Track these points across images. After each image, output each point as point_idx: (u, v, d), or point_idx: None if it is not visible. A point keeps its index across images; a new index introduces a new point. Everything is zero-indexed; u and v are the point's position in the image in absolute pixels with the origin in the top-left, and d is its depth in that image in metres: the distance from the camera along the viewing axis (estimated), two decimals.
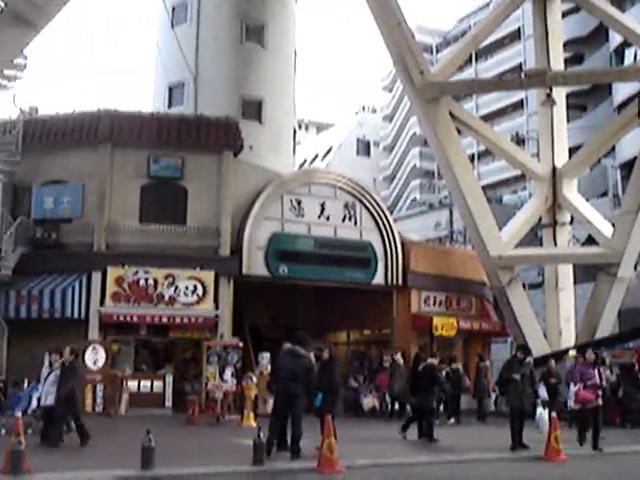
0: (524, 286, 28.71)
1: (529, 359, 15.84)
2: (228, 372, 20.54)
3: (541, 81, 24.79)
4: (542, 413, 16.85)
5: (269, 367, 20.61)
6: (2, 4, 20.34)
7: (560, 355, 23.58)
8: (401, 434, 16.09)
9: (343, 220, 25.61)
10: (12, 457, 9.95)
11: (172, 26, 31.41)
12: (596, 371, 15.22)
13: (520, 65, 52.25)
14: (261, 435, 11.70)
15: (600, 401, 15.00)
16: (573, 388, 15.47)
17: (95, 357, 21.40)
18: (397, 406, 22.74)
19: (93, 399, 21.26)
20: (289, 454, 12.44)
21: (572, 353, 22.97)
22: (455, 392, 21.92)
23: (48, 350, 14.87)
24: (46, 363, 15.27)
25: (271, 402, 14.83)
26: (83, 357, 20.20)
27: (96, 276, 22.27)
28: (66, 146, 23.70)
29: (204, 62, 30.89)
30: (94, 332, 22.04)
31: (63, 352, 14.12)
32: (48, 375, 14.13)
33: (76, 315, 21.84)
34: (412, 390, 16.84)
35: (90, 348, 21.42)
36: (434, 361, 16.96)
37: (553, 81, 24.93)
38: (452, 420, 21.29)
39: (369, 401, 23.62)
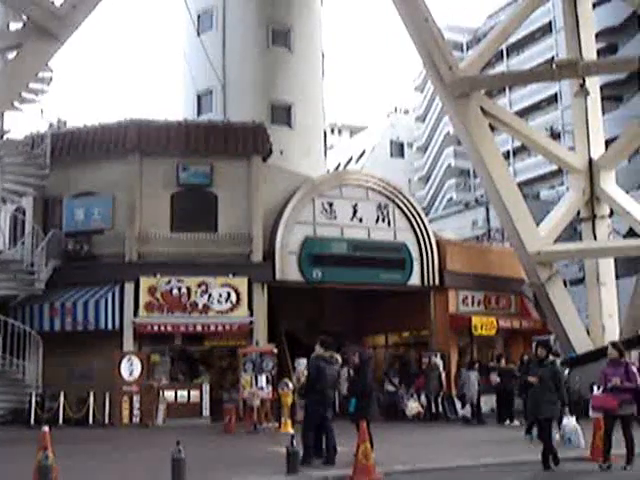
0: (565, 282, 28.11)
1: (552, 358, 13.27)
2: (263, 379, 20.28)
3: (573, 71, 24.19)
4: (569, 423, 13.95)
5: (306, 373, 20.31)
6: (25, 18, 20.38)
7: (603, 352, 22.94)
8: (526, 436, 15.94)
9: (376, 221, 25.27)
10: (40, 472, 9.75)
11: (198, 34, 31.29)
12: (622, 370, 12.21)
13: (552, 59, 51.48)
14: (294, 443, 11.41)
15: (630, 408, 12.20)
16: (595, 392, 13.44)
17: (131, 368, 21.33)
18: (434, 408, 22.44)
19: (130, 410, 21.16)
20: (321, 461, 12.16)
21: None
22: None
23: None
24: None
25: None
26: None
27: (129, 286, 22.18)
28: (95, 157, 23.69)
29: (231, 68, 30.73)
30: (129, 343, 21.96)
31: None
32: None
33: (110, 327, 21.78)
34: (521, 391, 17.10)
35: (125, 359, 21.36)
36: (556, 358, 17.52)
37: (586, 71, 24.32)
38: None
39: (414, 406, 23.15)
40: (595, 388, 13.53)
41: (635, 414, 12.34)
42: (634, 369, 12.13)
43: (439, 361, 24.00)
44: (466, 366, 23.23)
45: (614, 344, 12.81)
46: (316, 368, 12.67)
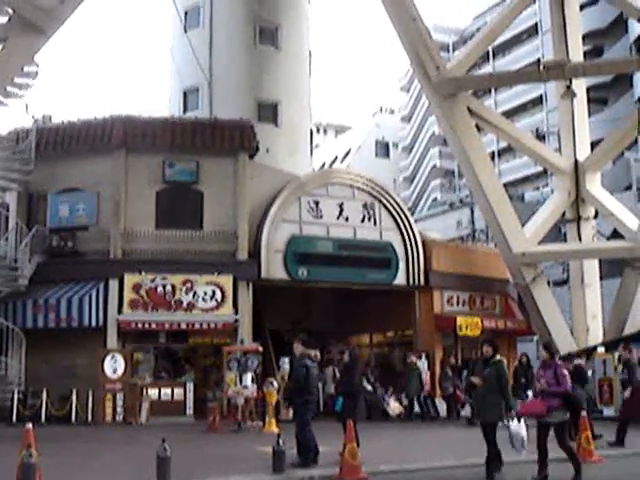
0: (549, 283, 28.19)
1: (498, 357, 11.60)
2: (248, 378, 20.18)
3: (560, 73, 24.26)
4: (517, 428, 11.22)
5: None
6: (10, 11, 20.18)
7: (588, 353, 23.05)
8: None
9: (362, 221, 25.24)
10: (23, 470, 9.63)
11: (185, 31, 31.11)
12: (551, 373, 11.07)
13: (538, 60, 51.60)
14: (281, 442, 11.34)
15: (559, 415, 11.01)
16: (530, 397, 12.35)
17: (114, 365, 21.20)
18: (417, 408, 22.40)
19: (113, 408, 21.03)
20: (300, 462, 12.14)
21: (600, 350, 22.49)
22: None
23: None
24: None
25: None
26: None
27: (113, 284, 22.02)
28: (80, 153, 23.48)
29: (218, 66, 30.59)
30: (113, 340, 21.79)
31: None
32: None
33: (94, 324, 21.61)
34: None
35: (109, 356, 21.23)
36: (581, 361, 17.52)
37: (573, 72, 24.40)
38: None
39: (395, 406, 23.09)
40: (530, 392, 12.51)
41: (566, 421, 11.27)
42: (564, 371, 11.14)
43: (420, 361, 23.89)
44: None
45: (545, 345, 12.09)
46: (304, 367, 12.60)
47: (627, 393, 16.45)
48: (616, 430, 15.43)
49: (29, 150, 22.07)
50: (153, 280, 22.13)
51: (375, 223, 25.42)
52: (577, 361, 17.75)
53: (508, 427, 11.02)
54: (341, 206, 24.93)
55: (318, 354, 13.25)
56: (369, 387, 23.78)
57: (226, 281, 22.57)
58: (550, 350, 11.57)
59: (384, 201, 25.61)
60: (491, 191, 24.92)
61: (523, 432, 10.92)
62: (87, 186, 23.36)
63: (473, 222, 41.15)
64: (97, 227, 23.00)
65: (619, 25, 46.97)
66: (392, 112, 76.12)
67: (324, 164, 66.20)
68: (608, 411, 21.03)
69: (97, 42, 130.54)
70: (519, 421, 11.03)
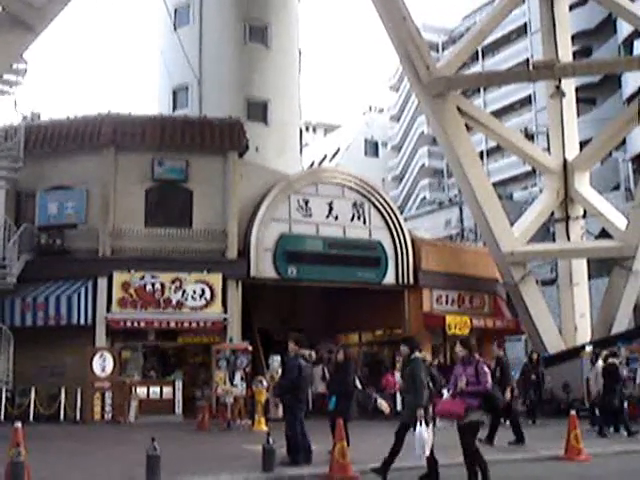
0: (537, 282, 28.28)
1: (415, 356, 10.81)
2: (237, 376, 20.16)
3: (550, 73, 24.38)
4: (420, 431, 10.12)
5: (280, 370, 20.21)
6: None
7: (576, 352, 23.15)
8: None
9: (352, 219, 25.23)
10: (12, 469, 9.59)
11: (175, 28, 31.09)
12: (472, 370, 10.13)
13: (527, 60, 51.83)
14: (270, 441, 11.33)
15: (475, 415, 9.97)
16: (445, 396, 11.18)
17: (103, 364, 21.12)
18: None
19: (102, 407, 20.95)
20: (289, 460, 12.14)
21: (588, 349, 22.57)
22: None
23: None
24: None
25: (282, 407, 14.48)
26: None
27: (102, 282, 21.95)
28: (69, 151, 23.41)
29: (208, 64, 30.58)
30: (101, 339, 21.73)
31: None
32: None
33: (82, 322, 21.54)
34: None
35: (97, 355, 21.16)
36: (615, 361, 17.54)
37: (562, 72, 24.52)
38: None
39: (385, 405, 23.00)
40: (446, 391, 11.20)
41: (481, 422, 10.27)
42: (485, 368, 10.16)
43: None
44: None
45: (463, 341, 10.81)
46: (297, 367, 12.58)
47: (508, 394, 15.67)
48: (512, 429, 15.42)
49: (18, 147, 22.01)
50: (142, 278, 22.08)
51: (365, 222, 25.43)
52: (611, 360, 17.71)
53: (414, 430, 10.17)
54: (331, 205, 24.92)
55: (313, 354, 13.21)
56: (360, 386, 23.75)
57: (215, 279, 22.54)
58: (468, 345, 10.45)
59: (374, 200, 25.62)
60: (480, 190, 24.99)
61: (425, 436, 10.04)
62: (76, 184, 23.29)
63: (462, 221, 41.24)
64: (86, 225, 22.93)
65: (608, 26, 47.12)
66: (381, 111, 76.17)
67: (313, 163, 66.14)
68: (597, 410, 21.08)
69: (86, 40, 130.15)
70: (427, 425, 10.15)
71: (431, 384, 11.12)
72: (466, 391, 9.98)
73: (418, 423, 10.05)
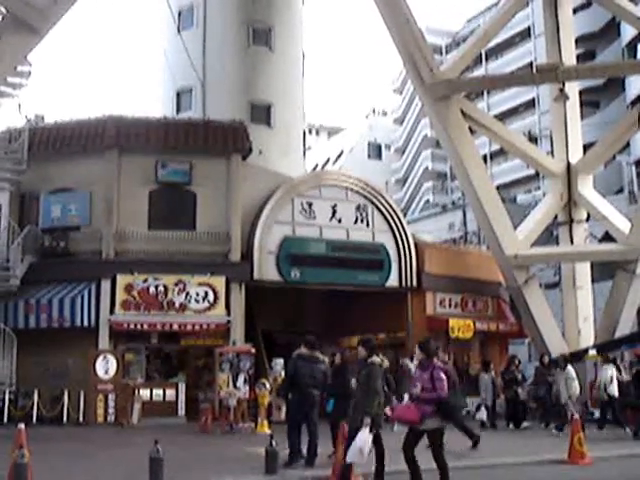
0: (541, 286, 28.25)
1: (372, 359, 10.37)
2: (241, 379, 20.16)
3: (553, 76, 24.29)
4: (360, 437, 9.65)
5: (283, 373, 20.22)
6: (3, 10, 20.12)
7: (580, 355, 23.10)
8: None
9: (355, 222, 25.25)
10: (15, 471, 9.60)
11: (178, 31, 31.09)
12: (427, 375, 9.62)
13: (531, 63, 51.76)
14: (273, 443, 11.34)
15: (433, 422, 9.53)
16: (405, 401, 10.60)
17: (106, 366, 21.18)
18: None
19: (105, 409, 21.02)
20: (303, 462, 12.13)
21: (592, 353, 22.54)
22: None
23: None
24: None
25: (284, 409, 14.51)
26: None
27: (105, 284, 21.98)
28: (73, 153, 23.44)
29: (211, 67, 30.57)
30: (104, 341, 21.76)
31: None
32: None
33: (86, 324, 21.58)
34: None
35: (101, 357, 21.20)
36: None
37: (566, 75, 24.45)
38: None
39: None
40: (406, 396, 10.67)
41: (440, 429, 9.72)
42: (441, 374, 9.61)
43: (412, 363, 23.72)
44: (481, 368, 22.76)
45: (421, 344, 10.12)
46: (293, 366, 12.65)
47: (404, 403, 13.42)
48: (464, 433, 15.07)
49: (22, 150, 22.02)
50: (145, 281, 22.10)
51: (368, 225, 25.43)
52: None
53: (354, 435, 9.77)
54: (334, 208, 24.93)
55: (319, 355, 13.15)
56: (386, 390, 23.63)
57: (219, 282, 22.55)
58: (427, 349, 9.88)
59: (377, 203, 25.63)
60: (484, 193, 24.96)
61: (363, 444, 9.56)
62: (80, 186, 23.34)
63: (465, 224, 41.17)
64: (89, 227, 22.97)
65: (611, 29, 47.11)
66: (385, 114, 76.17)
67: (317, 166, 66.21)
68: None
69: (90, 42, 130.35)
70: (371, 431, 9.67)
71: (386, 388, 10.90)
72: (421, 397, 9.57)
73: (362, 429, 9.66)
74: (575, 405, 19.14)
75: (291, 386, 12.82)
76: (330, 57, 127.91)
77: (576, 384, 19.07)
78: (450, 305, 26.54)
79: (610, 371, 19.02)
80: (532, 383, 21.77)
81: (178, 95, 31.32)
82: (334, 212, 24.92)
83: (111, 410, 21.03)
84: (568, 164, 26.24)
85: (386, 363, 12.33)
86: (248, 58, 30.73)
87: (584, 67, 28.54)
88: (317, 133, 79.08)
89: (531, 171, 45.86)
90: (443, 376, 9.66)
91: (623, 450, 14.90)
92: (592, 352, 22.56)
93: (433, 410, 9.45)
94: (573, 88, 26.76)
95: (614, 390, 18.78)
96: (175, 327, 22.23)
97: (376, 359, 10.43)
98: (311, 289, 25.08)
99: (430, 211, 53.53)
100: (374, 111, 75.63)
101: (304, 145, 33.56)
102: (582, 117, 28.94)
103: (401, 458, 9.69)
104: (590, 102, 45.47)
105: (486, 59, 59.95)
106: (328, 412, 12.97)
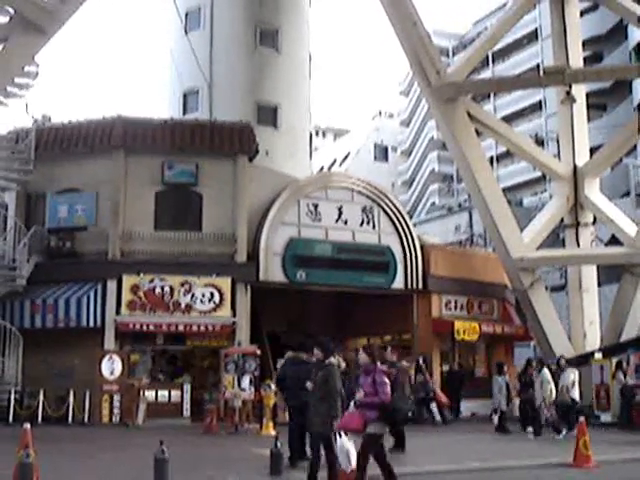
0: (547, 289, 28.21)
1: (330, 361, 10.28)
2: (246, 380, 20.18)
3: (560, 78, 24.29)
4: (343, 441, 9.49)
5: None
6: (11, 10, 20.17)
7: (585, 359, 23.06)
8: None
9: (361, 224, 25.25)
10: (21, 470, 9.61)
11: (185, 32, 31.14)
12: (370, 380, 9.31)
13: (538, 66, 51.73)
14: (278, 445, 11.34)
15: (375, 427, 9.19)
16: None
17: (112, 367, 21.21)
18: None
19: (110, 409, 21.05)
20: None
21: (598, 356, 22.50)
22: None
23: None
24: None
25: None
26: None
27: (111, 284, 22.02)
28: (79, 154, 23.51)
29: (218, 68, 30.62)
30: (110, 341, 21.80)
31: None
32: None
33: (92, 324, 21.62)
34: None
35: (106, 357, 21.23)
36: None
37: (573, 78, 24.44)
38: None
39: None
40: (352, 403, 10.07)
41: (381, 434, 9.36)
42: (384, 378, 9.33)
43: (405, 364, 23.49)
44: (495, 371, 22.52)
45: (365, 347, 9.89)
46: (282, 371, 12.78)
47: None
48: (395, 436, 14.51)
49: (28, 150, 22.05)
50: (151, 281, 22.13)
51: (374, 227, 25.44)
52: None
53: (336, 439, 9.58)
54: (340, 209, 24.95)
55: (309, 359, 13.07)
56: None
57: (224, 283, 22.56)
58: (371, 353, 9.59)
59: (383, 205, 25.63)
60: (490, 196, 24.95)
61: (348, 446, 9.40)
62: (86, 187, 23.39)
63: (471, 227, 41.16)
64: (96, 228, 23.00)
65: (619, 31, 46.94)
66: (391, 116, 76.10)
67: (323, 167, 66.18)
68: (605, 417, 21.07)
69: (97, 43, 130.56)
70: (346, 434, 9.50)
71: (343, 392, 10.80)
72: (363, 403, 9.29)
73: (337, 435, 9.49)
74: (550, 408, 18.88)
75: (281, 390, 13.10)
76: (337, 59, 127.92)
77: (551, 387, 18.78)
78: (456, 307, 26.51)
79: (573, 375, 18.90)
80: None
81: (185, 96, 31.39)
82: (340, 214, 24.93)
83: (116, 410, 21.07)
84: (575, 167, 26.22)
85: (343, 365, 12.44)
86: (255, 59, 30.78)
87: (591, 70, 28.51)
88: (323, 135, 79.07)
89: (537, 174, 45.78)
90: (386, 380, 9.39)
91: (628, 454, 14.84)
92: (598, 356, 22.52)
93: (377, 415, 9.18)
94: (580, 91, 26.73)
95: (575, 394, 18.68)
96: (181, 328, 22.24)
97: (334, 360, 10.43)
98: (316, 291, 25.09)
99: (436, 213, 53.45)
100: (381, 113, 75.54)
101: (310, 146, 33.57)
102: (589, 120, 28.92)
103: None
104: (597, 105, 45.37)
105: (493, 61, 59.81)
106: None
